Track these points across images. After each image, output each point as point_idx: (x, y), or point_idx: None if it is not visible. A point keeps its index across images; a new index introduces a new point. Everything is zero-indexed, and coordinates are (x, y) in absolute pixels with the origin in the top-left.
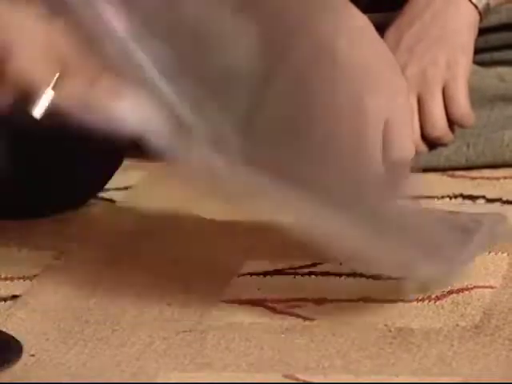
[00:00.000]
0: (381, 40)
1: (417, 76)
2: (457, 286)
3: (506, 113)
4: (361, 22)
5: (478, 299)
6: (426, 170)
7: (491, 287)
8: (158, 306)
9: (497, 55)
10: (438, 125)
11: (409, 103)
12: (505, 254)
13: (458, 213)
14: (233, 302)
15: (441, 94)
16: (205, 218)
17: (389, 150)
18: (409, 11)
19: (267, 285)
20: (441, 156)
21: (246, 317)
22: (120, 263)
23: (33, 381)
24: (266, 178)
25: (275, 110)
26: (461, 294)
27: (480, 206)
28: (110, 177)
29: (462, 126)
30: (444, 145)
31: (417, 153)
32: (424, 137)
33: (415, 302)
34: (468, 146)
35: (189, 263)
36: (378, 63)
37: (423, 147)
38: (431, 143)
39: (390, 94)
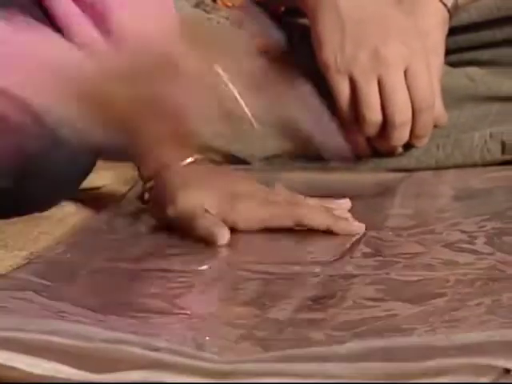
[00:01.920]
0: None
1: None
2: None
3: (475, 113)
4: None
5: None
6: (396, 170)
7: None
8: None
9: (466, 55)
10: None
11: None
12: None
13: None
14: None
15: None
16: None
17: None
18: None
19: None
20: (411, 157)
21: None
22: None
23: None
24: None
25: None
26: None
27: None
28: (83, 178)
29: (435, 126)
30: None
31: (390, 153)
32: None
33: None
34: (438, 148)
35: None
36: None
37: (399, 148)
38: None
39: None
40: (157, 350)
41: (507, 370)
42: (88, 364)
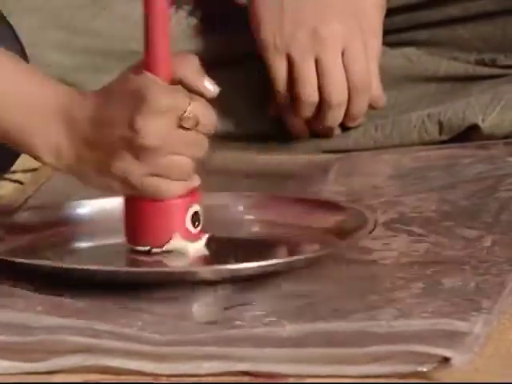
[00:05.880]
0: None
1: None
2: None
3: (413, 93)
4: None
5: None
6: (335, 151)
7: None
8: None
9: (404, 36)
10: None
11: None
12: None
13: None
14: None
15: None
16: None
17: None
18: None
19: None
20: (349, 138)
21: None
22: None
23: None
24: None
25: None
26: None
27: None
28: (15, 158)
29: (373, 108)
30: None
31: (327, 134)
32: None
33: None
34: (376, 129)
35: None
36: None
37: (337, 130)
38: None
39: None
40: (97, 334)
41: (446, 359)
42: (26, 356)
